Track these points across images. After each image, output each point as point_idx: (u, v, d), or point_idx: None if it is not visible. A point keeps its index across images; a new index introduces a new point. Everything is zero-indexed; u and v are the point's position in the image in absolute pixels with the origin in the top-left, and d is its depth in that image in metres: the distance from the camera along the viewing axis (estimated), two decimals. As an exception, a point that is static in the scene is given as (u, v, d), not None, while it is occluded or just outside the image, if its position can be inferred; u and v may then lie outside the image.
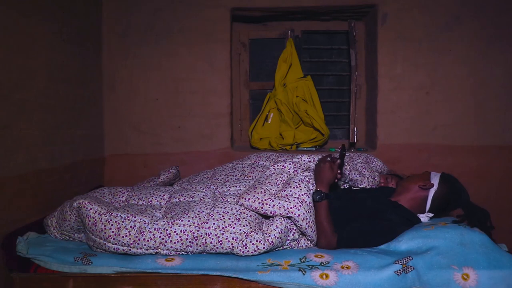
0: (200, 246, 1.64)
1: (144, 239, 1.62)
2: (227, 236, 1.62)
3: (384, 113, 2.76)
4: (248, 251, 1.61)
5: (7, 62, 1.70)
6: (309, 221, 1.67)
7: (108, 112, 2.76)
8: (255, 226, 1.68)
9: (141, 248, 1.63)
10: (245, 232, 1.64)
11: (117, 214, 1.67)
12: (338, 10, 2.84)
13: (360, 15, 2.95)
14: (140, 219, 1.67)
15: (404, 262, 1.52)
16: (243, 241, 1.62)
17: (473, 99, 2.71)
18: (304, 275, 1.51)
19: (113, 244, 1.63)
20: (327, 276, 1.50)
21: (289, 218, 1.68)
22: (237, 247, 1.62)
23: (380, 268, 1.51)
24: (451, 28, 2.69)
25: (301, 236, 1.75)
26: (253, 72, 3.15)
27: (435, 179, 1.80)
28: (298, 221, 1.66)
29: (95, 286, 1.57)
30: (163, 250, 1.64)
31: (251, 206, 1.71)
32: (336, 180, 1.80)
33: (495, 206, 2.64)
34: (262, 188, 1.77)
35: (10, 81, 1.72)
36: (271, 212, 1.67)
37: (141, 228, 1.64)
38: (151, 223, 1.66)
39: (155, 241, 1.63)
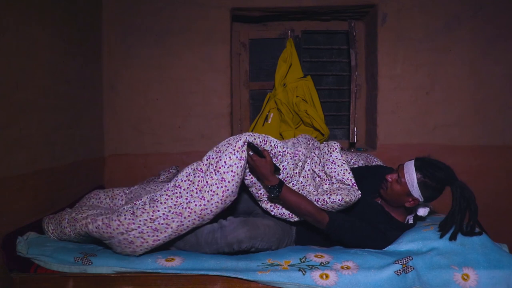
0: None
1: (161, 204, 1.59)
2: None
3: (384, 113, 2.76)
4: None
5: (7, 62, 1.70)
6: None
7: (108, 112, 2.76)
8: None
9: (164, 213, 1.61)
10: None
11: (125, 209, 1.65)
12: (338, 10, 2.84)
13: (360, 15, 2.95)
14: (146, 196, 1.65)
15: (404, 262, 1.52)
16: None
17: (473, 99, 2.71)
18: (304, 275, 1.51)
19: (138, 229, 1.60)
20: (327, 276, 1.50)
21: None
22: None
23: (380, 268, 1.51)
24: (451, 28, 2.69)
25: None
26: (253, 72, 3.15)
27: (415, 191, 1.66)
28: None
29: (95, 286, 1.57)
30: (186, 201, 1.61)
31: None
32: (278, 165, 1.75)
33: (495, 206, 2.65)
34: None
35: (10, 81, 1.72)
36: None
37: (153, 198, 1.61)
38: (160, 190, 1.64)
39: (172, 200, 1.60)
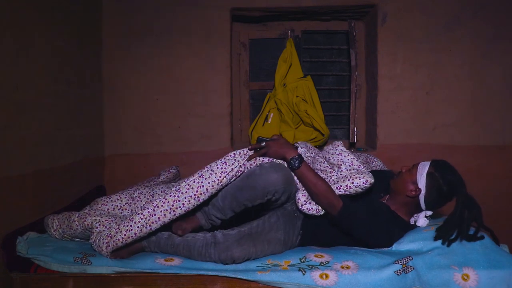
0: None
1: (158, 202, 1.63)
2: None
3: (384, 113, 2.76)
4: None
5: (7, 62, 1.70)
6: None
7: (108, 112, 2.75)
8: None
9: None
10: None
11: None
12: (338, 10, 2.84)
13: (360, 15, 2.95)
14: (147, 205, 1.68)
15: (404, 262, 1.52)
16: None
17: (473, 99, 2.71)
18: (304, 275, 1.51)
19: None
20: (327, 276, 1.50)
21: None
22: None
23: (380, 268, 1.51)
24: (451, 28, 2.69)
25: None
26: (253, 72, 3.15)
27: (421, 180, 1.68)
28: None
29: (95, 286, 1.58)
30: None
31: None
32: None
33: (495, 206, 2.65)
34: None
35: (10, 81, 1.72)
36: None
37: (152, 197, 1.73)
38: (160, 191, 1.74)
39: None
